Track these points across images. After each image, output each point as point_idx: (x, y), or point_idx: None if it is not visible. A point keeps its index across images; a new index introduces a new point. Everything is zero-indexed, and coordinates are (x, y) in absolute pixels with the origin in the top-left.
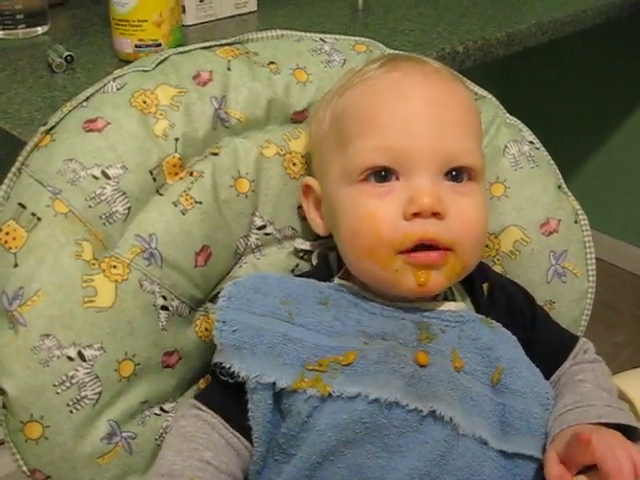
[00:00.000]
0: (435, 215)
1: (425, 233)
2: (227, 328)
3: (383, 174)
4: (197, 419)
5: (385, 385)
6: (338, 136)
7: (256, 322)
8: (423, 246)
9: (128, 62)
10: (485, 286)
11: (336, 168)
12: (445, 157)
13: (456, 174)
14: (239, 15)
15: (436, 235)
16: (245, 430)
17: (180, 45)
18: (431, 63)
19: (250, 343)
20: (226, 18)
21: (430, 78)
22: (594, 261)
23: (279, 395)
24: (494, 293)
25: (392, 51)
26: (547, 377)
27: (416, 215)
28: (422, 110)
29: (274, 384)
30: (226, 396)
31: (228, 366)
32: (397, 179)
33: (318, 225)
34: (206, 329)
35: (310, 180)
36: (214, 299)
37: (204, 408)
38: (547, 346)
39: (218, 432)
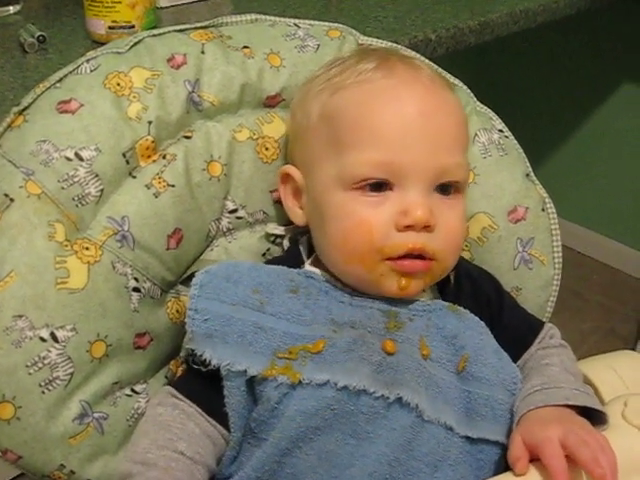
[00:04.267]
0: (425, 228)
1: (415, 244)
2: (199, 317)
3: (378, 184)
4: (173, 408)
5: (353, 373)
6: (331, 137)
7: (227, 311)
8: (410, 255)
9: (101, 43)
10: (452, 274)
11: (328, 170)
12: (438, 172)
13: (445, 187)
14: None
15: (425, 246)
16: (222, 416)
17: (154, 27)
18: (425, 68)
19: (221, 332)
20: (200, 1)
21: (426, 88)
22: (560, 249)
23: (251, 382)
24: (460, 280)
25: (366, 38)
26: (513, 361)
27: (408, 227)
28: (419, 125)
29: (245, 372)
30: (202, 384)
31: (200, 354)
32: (391, 189)
33: (296, 215)
34: (177, 311)
35: (290, 169)
36: (185, 281)
37: (180, 397)
38: (514, 331)
39: (194, 421)
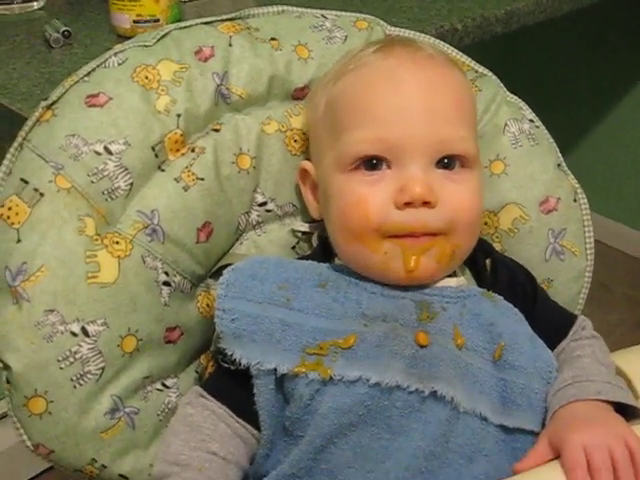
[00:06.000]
0: (426, 204)
1: (415, 222)
2: (226, 317)
3: (374, 162)
4: (204, 409)
5: (386, 369)
6: (332, 124)
7: (254, 310)
8: (413, 234)
9: (126, 38)
10: (488, 262)
11: (330, 156)
12: (437, 146)
13: (448, 162)
14: None
15: (426, 225)
16: (251, 416)
17: (178, 20)
18: (426, 48)
19: (249, 331)
20: None
21: (423, 66)
22: (592, 240)
23: (282, 380)
24: (497, 269)
25: (393, 28)
26: None
27: (407, 204)
28: (415, 100)
29: (275, 370)
30: (231, 384)
31: (230, 353)
32: (389, 167)
33: (314, 209)
34: (207, 305)
35: (307, 164)
36: (215, 275)
37: (210, 398)
38: (547, 324)
39: (224, 422)
